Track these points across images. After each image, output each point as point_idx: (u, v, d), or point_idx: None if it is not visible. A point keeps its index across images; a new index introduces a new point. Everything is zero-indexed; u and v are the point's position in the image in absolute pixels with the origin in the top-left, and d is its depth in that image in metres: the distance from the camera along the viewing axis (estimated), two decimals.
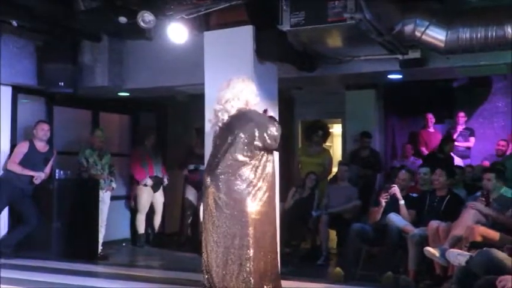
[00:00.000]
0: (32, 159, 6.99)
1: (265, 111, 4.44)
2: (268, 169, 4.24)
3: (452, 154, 8.45)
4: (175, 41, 5.75)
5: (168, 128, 10.01)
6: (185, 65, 6.77)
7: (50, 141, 7.40)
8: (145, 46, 7.10)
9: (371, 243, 6.24)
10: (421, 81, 7.94)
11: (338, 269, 5.98)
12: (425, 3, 5.38)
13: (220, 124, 4.31)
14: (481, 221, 5.15)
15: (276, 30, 5.26)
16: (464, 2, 5.15)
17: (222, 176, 4.14)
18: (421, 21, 5.27)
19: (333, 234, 7.64)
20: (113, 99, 8.58)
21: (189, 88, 7.45)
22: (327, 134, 8.65)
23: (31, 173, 6.94)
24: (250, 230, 4.07)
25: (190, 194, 8.54)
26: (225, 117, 4.28)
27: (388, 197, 6.21)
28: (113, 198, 8.13)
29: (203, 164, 5.08)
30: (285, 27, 5.14)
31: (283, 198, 7.11)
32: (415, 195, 6.46)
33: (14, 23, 6.38)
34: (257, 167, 4.16)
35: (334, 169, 8.46)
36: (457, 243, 5.04)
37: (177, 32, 5.64)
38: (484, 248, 4.44)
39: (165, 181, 8.82)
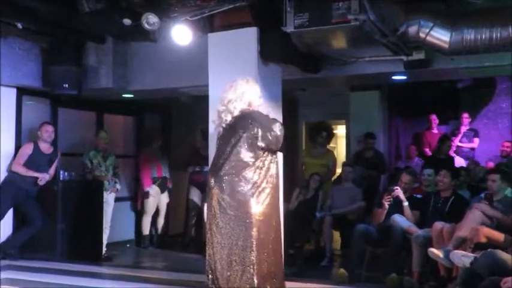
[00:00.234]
0: (36, 161, 7.01)
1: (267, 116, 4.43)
2: (272, 170, 4.24)
3: (454, 154, 8.43)
4: (180, 43, 5.77)
5: (173, 129, 10.03)
6: (189, 67, 6.78)
7: (54, 143, 7.42)
8: (150, 48, 7.11)
9: (375, 244, 6.23)
10: (425, 83, 7.94)
11: (342, 270, 5.98)
12: (430, 4, 5.37)
13: (223, 125, 4.32)
14: (486, 222, 5.14)
15: (280, 32, 5.26)
16: (469, 3, 5.13)
17: (226, 177, 4.14)
18: (425, 22, 5.26)
19: (336, 235, 7.63)
20: (117, 100, 8.60)
21: (193, 90, 7.46)
22: (331, 135, 8.65)
23: (35, 174, 6.95)
24: (254, 232, 4.08)
25: (195, 195, 8.54)
26: (228, 118, 4.29)
27: (392, 199, 6.21)
28: (117, 199, 8.15)
29: (208, 165, 5.09)
30: (289, 28, 5.13)
31: (287, 200, 7.13)
32: (419, 196, 6.46)
33: (19, 25, 6.40)
34: (261, 168, 4.17)
35: (338, 170, 8.45)
36: (461, 244, 5.02)
37: (181, 33, 5.65)
38: (489, 250, 4.44)
39: (169, 185, 8.84)
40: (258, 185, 4.14)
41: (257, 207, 4.11)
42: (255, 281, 4.04)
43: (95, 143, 7.94)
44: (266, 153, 4.20)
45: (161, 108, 9.81)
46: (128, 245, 8.91)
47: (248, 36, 5.54)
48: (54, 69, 7.09)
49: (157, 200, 8.72)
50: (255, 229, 4.08)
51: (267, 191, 4.18)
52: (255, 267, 4.05)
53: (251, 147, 4.14)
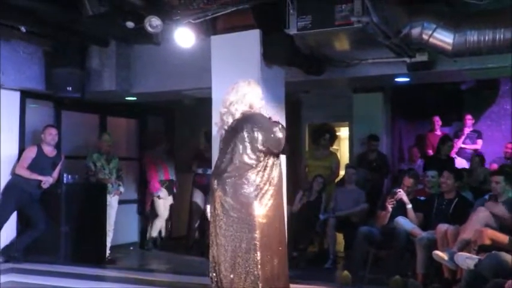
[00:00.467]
0: (40, 164, 7.02)
1: (269, 119, 4.43)
2: (275, 172, 4.24)
3: (455, 156, 8.41)
4: (183, 46, 5.78)
5: (176, 131, 10.04)
6: (192, 69, 6.79)
7: (57, 146, 7.42)
8: (153, 50, 7.12)
9: (379, 246, 6.22)
10: (428, 84, 7.93)
11: (346, 272, 5.97)
12: (433, 6, 5.36)
13: (225, 127, 4.33)
14: (490, 224, 5.12)
15: (283, 34, 5.26)
16: (472, 5, 5.12)
17: (229, 180, 4.14)
18: (428, 24, 5.25)
19: (340, 237, 7.63)
20: (121, 103, 8.61)
21: (196, 92, 7.47)
22: (334, 137, 8.64)
23: (39, 177, 6.96)
24: (257, 234, 4.07)
25: (198, 198, 8.54)
26: (230, 120, 4.29)
27: (395, 202, 6.20)
28: (120, 202, 8.15)
29: (211, 167, 5.09)
30: (292, 31, 5.14)
31: (290, 202, 7.12)
32: (422, 198, 6.44)
33: (23, 28, 6.42)
34: (264, 171, 4.17)
35: (342, 172, 8.44)
36: (465, 246, 5.01)
37: (184, 36, 5.67)
38: (493, 252, 4.43)
39: (174, 190, 8.85)
40: (261, 187, 4.14)
41: (260, 209, 4.12)
42: (259, 283, 4.03)
43: (98, 146, 7.94)
44: (269, 155, 4.20)
45: (164, 110, 9.81)
46: (131, 248, 8.91)
47: (251, 39, 5.55)
48: (57, 72, 7.11)
49: (168, 202, 8.74)
50: (258, 231, 4.08)
51: (270, 193, 4.18)
52: (259, 270, 4.04)
53: (253, 150, 4.14)
